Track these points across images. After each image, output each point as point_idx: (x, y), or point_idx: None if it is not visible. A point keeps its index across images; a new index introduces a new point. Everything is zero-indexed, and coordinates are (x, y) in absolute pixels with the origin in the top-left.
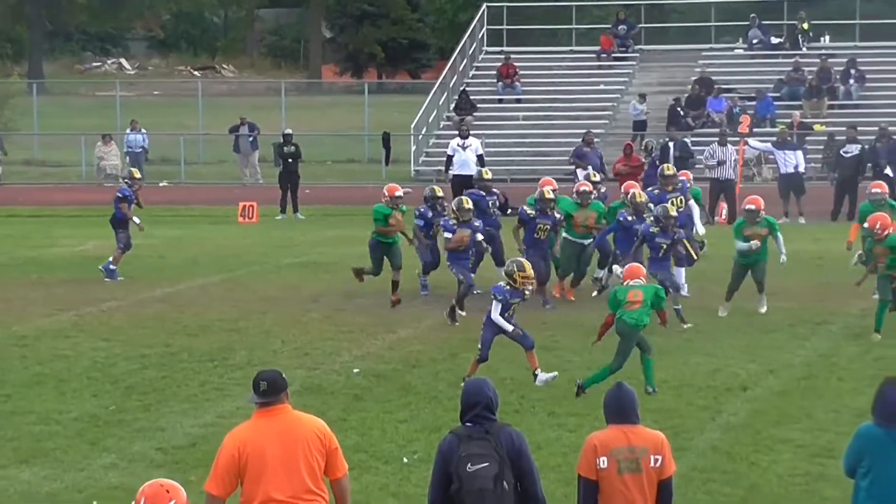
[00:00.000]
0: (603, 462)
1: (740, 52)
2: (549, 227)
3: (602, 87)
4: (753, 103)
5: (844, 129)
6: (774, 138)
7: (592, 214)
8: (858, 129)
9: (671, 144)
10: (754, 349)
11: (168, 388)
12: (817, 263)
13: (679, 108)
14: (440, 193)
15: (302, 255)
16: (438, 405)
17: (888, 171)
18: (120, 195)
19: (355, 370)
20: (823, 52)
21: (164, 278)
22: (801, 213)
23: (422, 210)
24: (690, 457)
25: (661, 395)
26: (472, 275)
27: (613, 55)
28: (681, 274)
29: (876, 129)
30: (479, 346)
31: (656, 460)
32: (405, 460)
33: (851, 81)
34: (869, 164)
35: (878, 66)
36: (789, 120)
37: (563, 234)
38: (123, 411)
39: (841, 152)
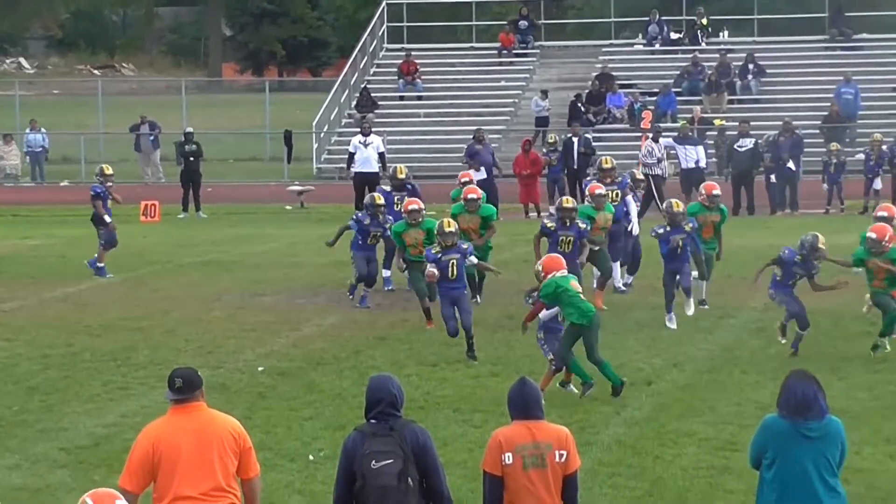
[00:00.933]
0: (508, 458)
1: (640, 47)
2: (573, 238)
3: (503, 83)
4: (654, 98)
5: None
6: (676, 133)
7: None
8: (759, 123)
9: (575, 140)
10: (658, 343)
11: (71, 388)
12: (719, 257)
13: (580, 104)
14: (380, 202)
15: (204, 253)
16: (343, 402)
17: (790, 165)
18: (92, 192)
19: (259, 368)
20: (722, 47)
21: (66, 278)
22: None
23: (359, 216)
24: (595, 451)
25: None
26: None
27: (514, 52)
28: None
29: (775, 123)
30: (553, 358)
31: (561, 455)
32: (311, 458)
33: (750, 76)
34: (770, 158)
35: (776, 61)
36: (690, 115)
37: None
38: (26, 412)
39: (735, 146)
